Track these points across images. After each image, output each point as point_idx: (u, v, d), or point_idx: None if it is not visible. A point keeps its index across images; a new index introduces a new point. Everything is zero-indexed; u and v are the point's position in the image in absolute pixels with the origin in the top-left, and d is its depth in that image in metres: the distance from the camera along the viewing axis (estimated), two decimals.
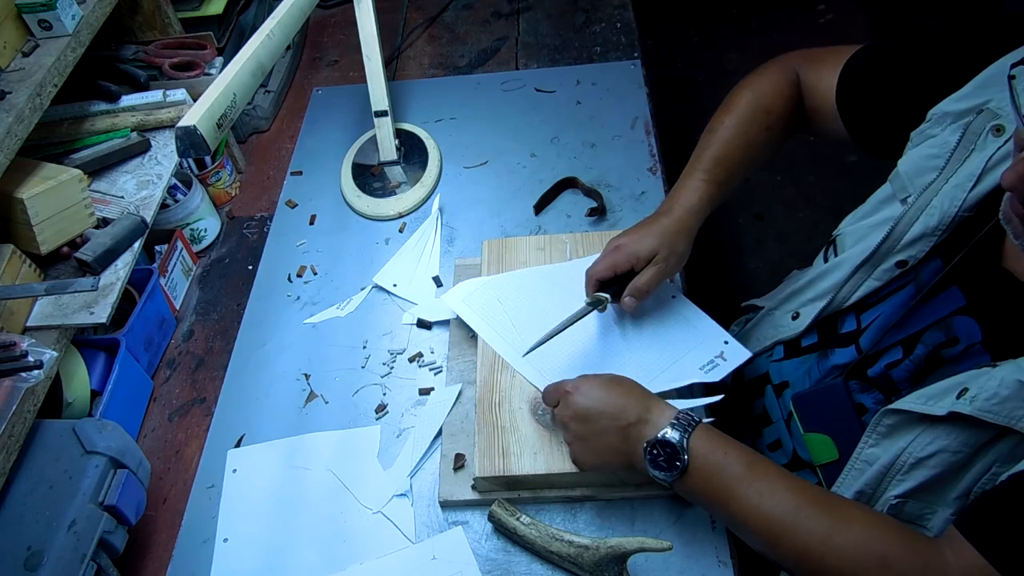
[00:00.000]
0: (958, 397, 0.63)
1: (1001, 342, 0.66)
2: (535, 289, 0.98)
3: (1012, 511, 0.59)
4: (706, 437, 0.72)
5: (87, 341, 0.99)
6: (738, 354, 0.89)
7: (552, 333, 0.83)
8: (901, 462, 0.68)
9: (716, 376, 0.87)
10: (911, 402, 0.67)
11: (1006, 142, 0.67)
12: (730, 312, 1.11)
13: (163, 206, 1.12)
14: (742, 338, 1.01)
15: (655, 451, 0.72)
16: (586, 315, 0.86)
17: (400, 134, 1.28)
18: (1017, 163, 0.58)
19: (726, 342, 0.90)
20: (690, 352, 0.90)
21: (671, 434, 0.72)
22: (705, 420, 0.75)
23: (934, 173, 0.73)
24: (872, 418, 0.72)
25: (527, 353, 0.84)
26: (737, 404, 0.99)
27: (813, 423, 0.82)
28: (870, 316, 0.80)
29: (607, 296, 0.86)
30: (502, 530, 0.82)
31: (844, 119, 0.86)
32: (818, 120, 0.91)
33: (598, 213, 1.13)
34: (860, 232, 0.82)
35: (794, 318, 0.88)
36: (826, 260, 0.86)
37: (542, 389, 0.85)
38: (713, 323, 0.93)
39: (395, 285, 1.09)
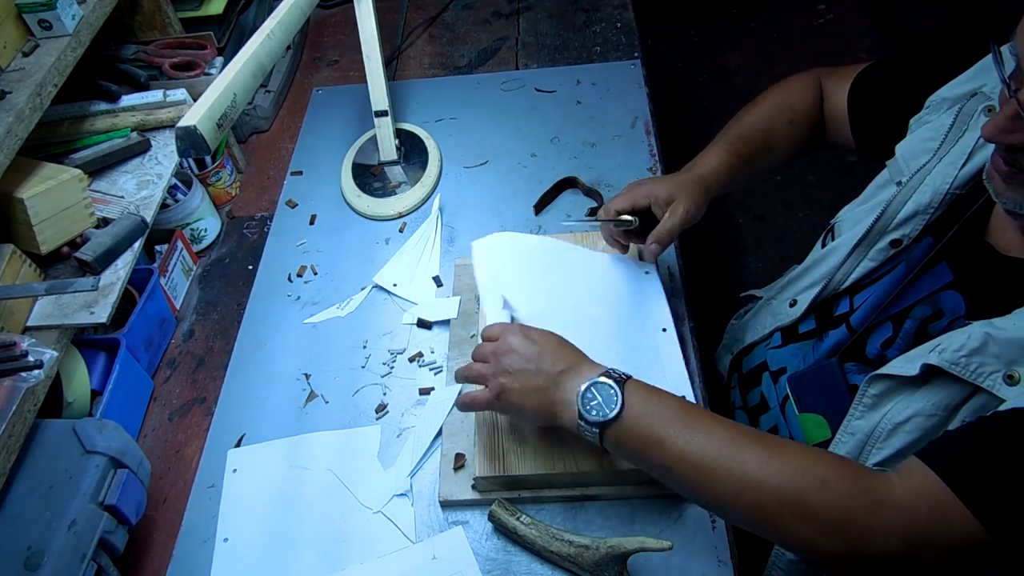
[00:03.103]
0: (930, 353, 0.64)
1: (982, 314, 0.68)
2: (550, 262, 0.99)
3: (973, 441, 0.59)
4: (639, 386, 0.71)
5: (87, 341, 0.99)
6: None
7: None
8: (880, 429, 0.70)
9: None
10: (892, 366, 0.69)
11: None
12: (731, 309, 1.11)
13: (163, 206, 1.12)
14: (742, 328, 1.02)
15: (588, 394, 0.70)
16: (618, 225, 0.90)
17: (400, 134, 1.28)
18: (996, 115, 0.60)
19: (664, 329, 0.94)
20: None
21: (603, 380, 0.70)
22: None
23: (929, 155, 0.75)
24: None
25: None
26: (736, 395, 0.99)
27: (807, 403, 0.83)
28: (863, 297, 0.81)
29: (634, 218, 0.89)
30: (502, 530, 0.82)
31: (852, 124, 0.89)
32: (833, 127, 0.94)
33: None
34: (857, 216, 0.84)
35: (792, 305, 0.90)
36: (824, 246, 0.88)
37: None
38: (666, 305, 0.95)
39: (395, 285, 1.09)
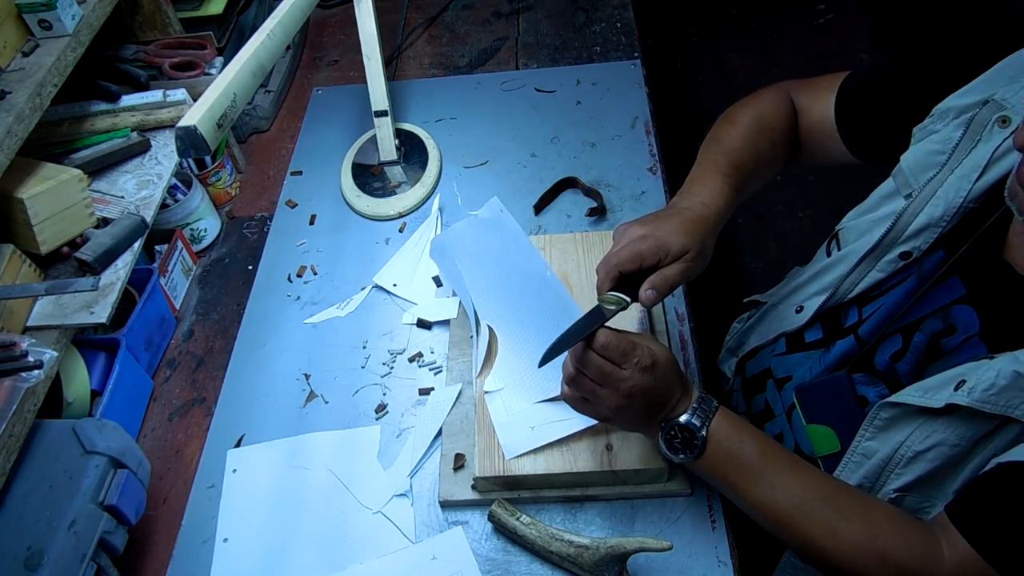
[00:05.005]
0: (956, 389, 0.64)
1: (998, 333, 0.67)
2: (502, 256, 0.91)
3: (1001, 501, 0.60)
4: (724, 424, 0.73)
5: (87, 341, 0.99)
6: None
7: (563, 344, 0.69)
8: (899, 456, 0.69)
9: None
10: (908, 395, 0.68)
11: (1012, 133, 0.68)
12: (730, 309, 1.11)
13: (163, 206, 1.12)
14: (745, 334, 1.01)
15: (672, 433, 0.73)
16: (605, 321, 0.70)
17: (400, 134, 1.28)
18: None
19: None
20: None
21: (691, 420, 0.72)
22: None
23: (936, 168, 0.74)
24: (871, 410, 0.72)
25: (541, 365, 0.71)
26: (739, 399, 0.99)
27: (816, 415, 0.82)
28: (872, 308, 0.80)
29: (628, 299, 0.72)
30: (502, 530, 0.82)
31: (843, 133, 0.85)
32: (813, 141, 0.90)
33: (598, 213, 1.13)
34: (863, 227, 0.82)
35: (798, 311, 0.88)
36: (829, 254, 0.87)
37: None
38: None
39: (395, 285, 1.09)
